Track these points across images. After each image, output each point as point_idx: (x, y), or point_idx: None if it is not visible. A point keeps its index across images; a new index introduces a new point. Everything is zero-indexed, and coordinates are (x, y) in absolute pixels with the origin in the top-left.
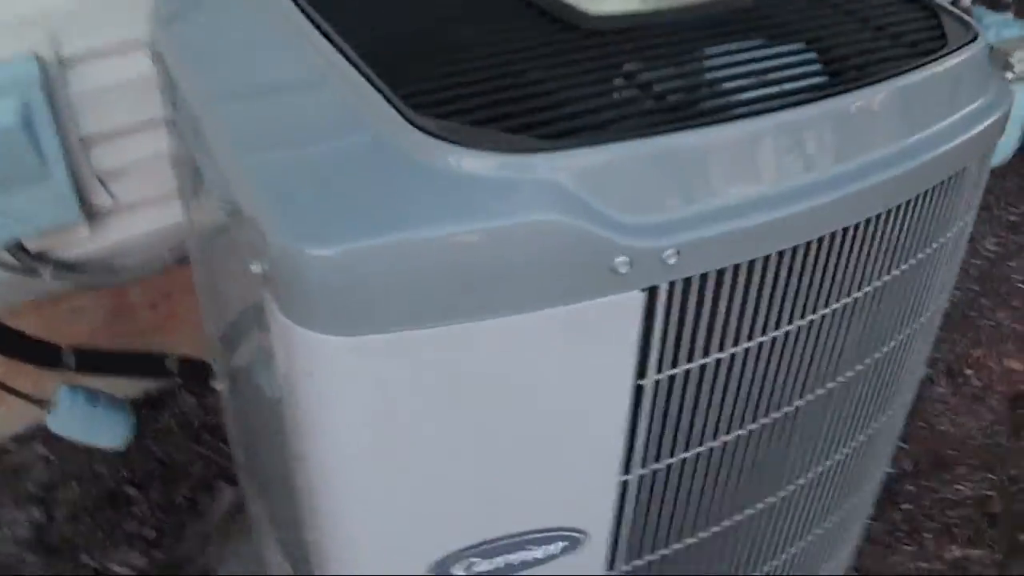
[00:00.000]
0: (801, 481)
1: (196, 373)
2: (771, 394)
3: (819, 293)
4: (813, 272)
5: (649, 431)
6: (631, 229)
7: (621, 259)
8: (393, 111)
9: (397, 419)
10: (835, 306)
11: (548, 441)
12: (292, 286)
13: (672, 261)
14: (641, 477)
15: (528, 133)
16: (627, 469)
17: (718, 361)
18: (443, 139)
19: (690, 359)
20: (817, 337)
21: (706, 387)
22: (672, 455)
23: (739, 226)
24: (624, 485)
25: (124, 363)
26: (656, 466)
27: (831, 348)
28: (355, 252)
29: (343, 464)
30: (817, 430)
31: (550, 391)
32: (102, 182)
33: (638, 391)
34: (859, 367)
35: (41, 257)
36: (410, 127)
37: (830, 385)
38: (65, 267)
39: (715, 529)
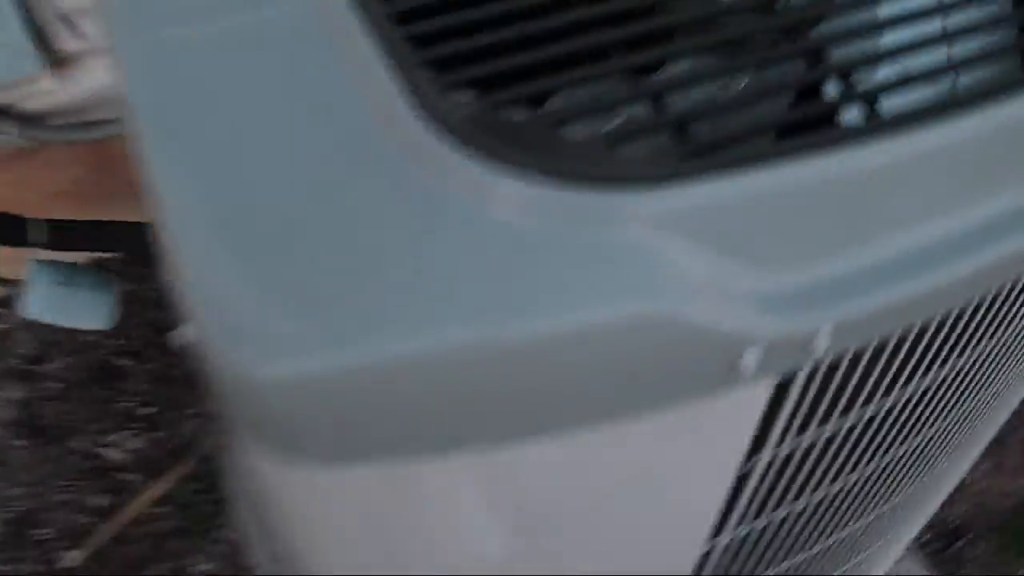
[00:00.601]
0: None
1: None
2: (892, 439)
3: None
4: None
5: (751, 500)
6: (768, 304)
7: (751, 353)
8: (394, 86)
9: (408, 548)
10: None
11: (619, 539)
12: (238, 407)
13: (823, 344)
14: (731, 539)
15: (608, 148)
16: (716, 534)
17: (849, 429)
18: (479, 155)
19: (819, 428)
20: (963, 383)
21: (828, 453)
22: (774, 511)
23: (923, 284)
24: (710, 548)
25: (105, 236)
26: (751, 526)
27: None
28: (332, 370)
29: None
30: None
31: (626, 498)
32: (66, 23)
33: (746, 471)
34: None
35: (4, 112)
36: (424, 124)
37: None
38: (32, 121)
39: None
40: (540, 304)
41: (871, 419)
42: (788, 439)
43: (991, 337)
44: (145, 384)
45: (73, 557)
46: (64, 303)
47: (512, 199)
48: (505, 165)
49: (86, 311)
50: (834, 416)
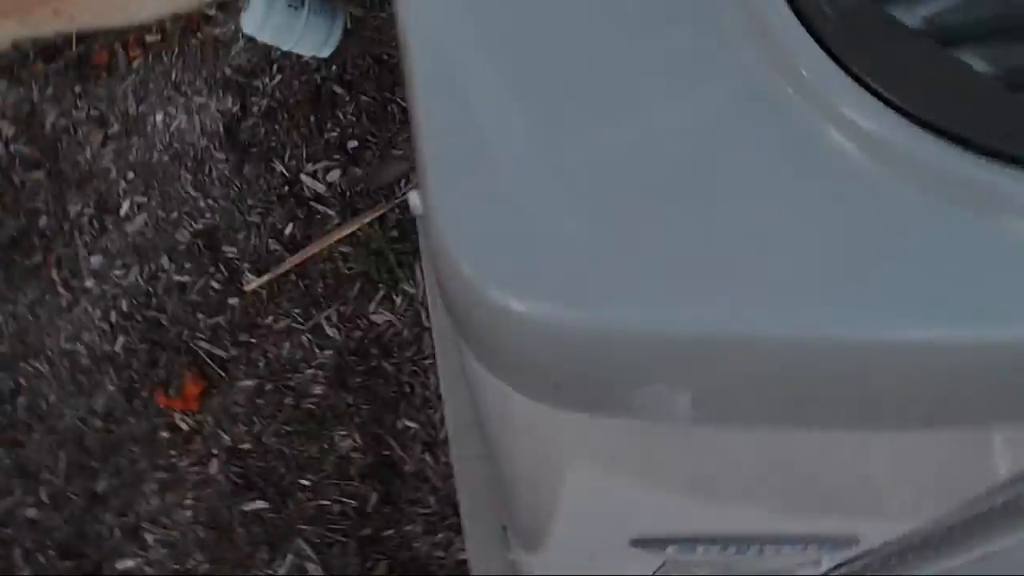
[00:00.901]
0: None
1: None
2: None
3: None
4: None
5: None
6: None
7: None
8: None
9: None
10: None
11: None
12: (488, 341)
13: None
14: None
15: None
16: None
17: None
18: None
19: None
20: None
21: None
22: None
23: None
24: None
25: None
26: None
27: None
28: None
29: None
30: None
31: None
32: None
33: None
34: None
35: None
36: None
37: None
38: None
39: None
40: (899, 311)
41: None
42: None
43: None
44: (356, 117)
45: (253, 280)
46: (287, 22)
47: (886, 150)
48: (877, 98)
49: (308, 34)
50: None
